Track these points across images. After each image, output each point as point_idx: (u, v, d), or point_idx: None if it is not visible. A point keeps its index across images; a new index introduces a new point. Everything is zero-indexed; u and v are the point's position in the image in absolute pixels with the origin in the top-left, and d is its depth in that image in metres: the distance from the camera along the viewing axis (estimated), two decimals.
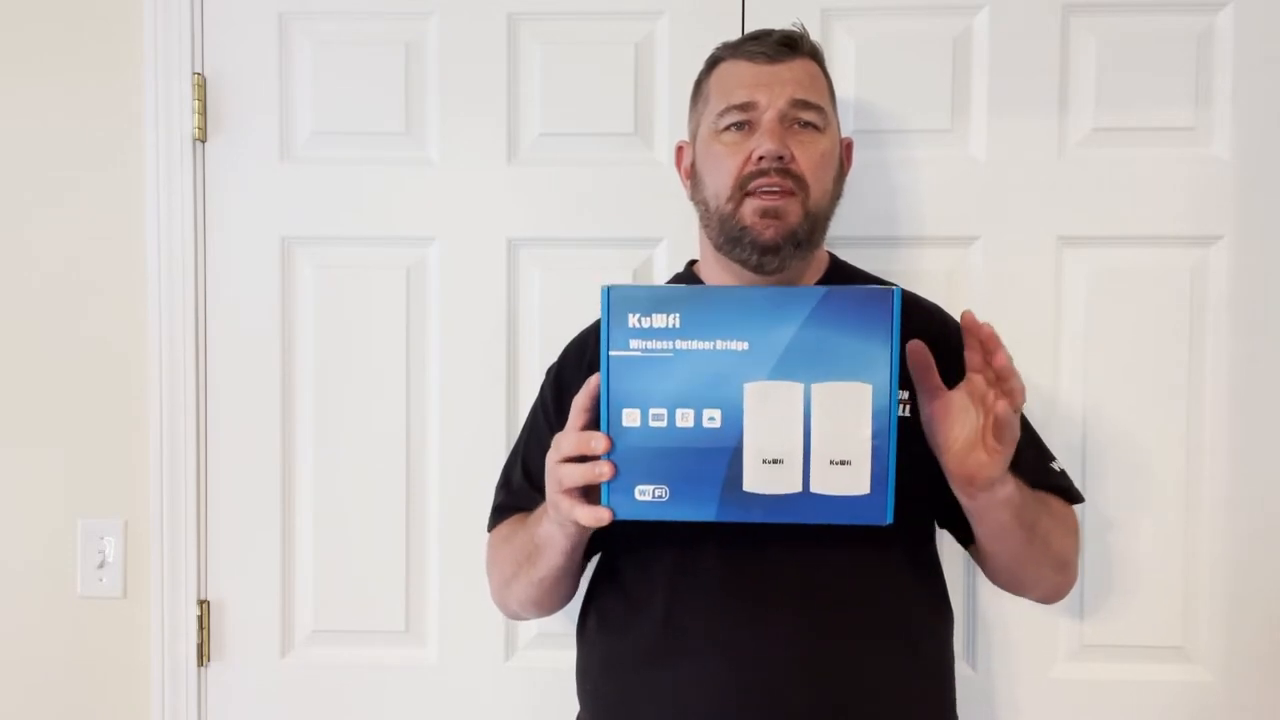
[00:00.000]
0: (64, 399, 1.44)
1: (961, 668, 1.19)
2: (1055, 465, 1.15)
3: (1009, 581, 1.12)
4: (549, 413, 1.14)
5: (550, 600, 1.10)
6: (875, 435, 0.87)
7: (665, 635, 1.02)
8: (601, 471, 0.88)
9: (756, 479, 0.88)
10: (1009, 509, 0.97)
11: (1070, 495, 1.14)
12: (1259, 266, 1.36)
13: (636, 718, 1.03)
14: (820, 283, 1.13)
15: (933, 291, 1.24)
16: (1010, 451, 0.92)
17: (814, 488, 0.87)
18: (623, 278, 1.40)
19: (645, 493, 0.89)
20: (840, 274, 1.16)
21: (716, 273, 1.13)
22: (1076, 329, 1.38)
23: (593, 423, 0.91)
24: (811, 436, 0.87)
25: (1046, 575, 1.11)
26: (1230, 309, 1.37)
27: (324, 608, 1.44)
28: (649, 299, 0.87)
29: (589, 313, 1.20)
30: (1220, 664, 1.38)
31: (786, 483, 0.87)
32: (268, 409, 1.43)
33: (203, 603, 1.44)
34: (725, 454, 0.87)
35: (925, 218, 1.39)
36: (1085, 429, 1.38)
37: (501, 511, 1.16)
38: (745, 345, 0.86)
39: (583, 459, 0.90)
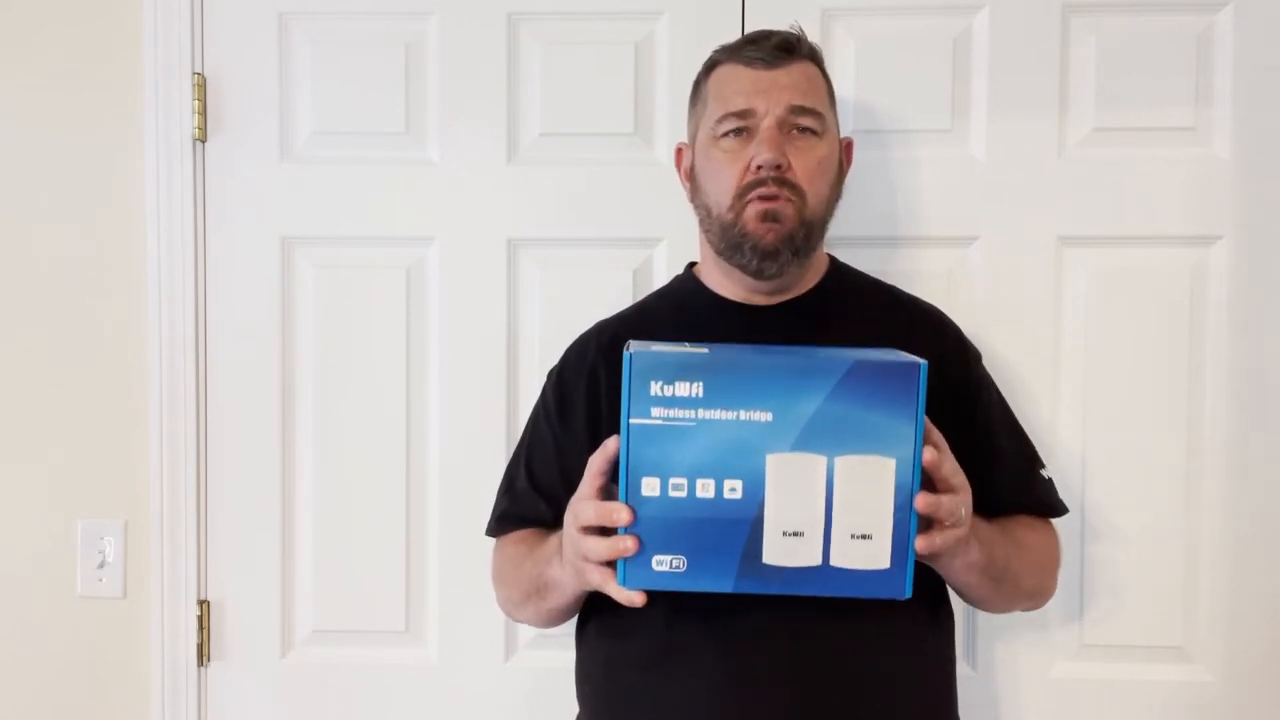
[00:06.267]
0: (64, 399, 1.44)
1: (961, 668, 1.19)
2: (1043, 473, 1.16)
3: (981, 608, 1.17)
4: (550, 416, 1.14)
5: (561, 621, 1.12)
6: (897, 510, 0.85)
7: (666, 639, 1.02)
8: (626, 547, 0.86)
9: (776, 551, 0.86)
10: (972, 571, 0.98)
11: (1053, 509, 1.15)
12: (1259, 266, 1.36)
13: None
14: (820, 286, 1.14)
15: (932, 292, 1.24)
16: (952, 536, 0.89)
17: (834, 561, 0.86)
18: (623, 278, 1.40)
19: (663, 563, 0.87)
20: (840, 277, 1.17)
21: (716, 276, 1.14)
22: (1076, 329, 1.38)
23: (608, 486, 0.91)
24: (833, 510, 0.85)
25: (1018, 605, 1.16)
26: (1230, 309, 1.36)
27: (324, 608, 1.44)
28: (672, 366, 0.84)
29: (589, 313, 1.20)
30: (1220, 664, 1.38)
31: (806, 555, 0.86)
32: (268, 409, 1.43)
33: (203, 603, 1.44)
34: (745, 525, 0.86)
35: (925, 218, 1.38)
36: (1084, 429, 1.38)
37: (505, 520, 1.17)
38: (769, 416, 0.84)
39: (604, 529, 0.89)
